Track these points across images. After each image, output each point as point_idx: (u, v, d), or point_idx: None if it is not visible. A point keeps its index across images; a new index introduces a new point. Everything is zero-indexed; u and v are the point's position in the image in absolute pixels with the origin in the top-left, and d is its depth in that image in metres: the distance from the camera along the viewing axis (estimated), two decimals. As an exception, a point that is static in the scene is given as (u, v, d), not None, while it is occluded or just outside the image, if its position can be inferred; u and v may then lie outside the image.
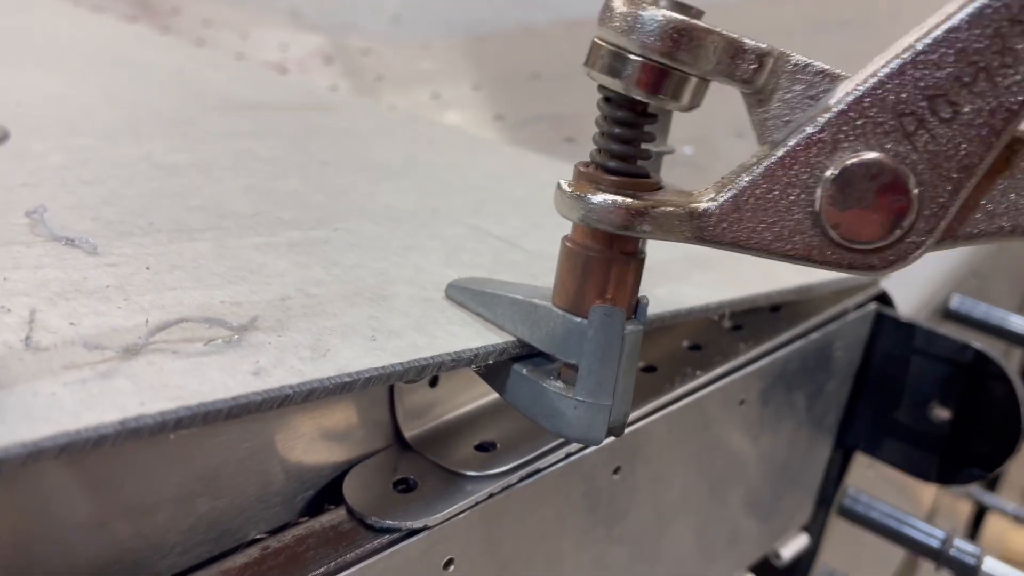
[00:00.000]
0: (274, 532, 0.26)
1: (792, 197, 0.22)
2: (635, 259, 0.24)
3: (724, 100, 0.79)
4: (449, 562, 0.26)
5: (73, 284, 0.24)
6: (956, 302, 0.50)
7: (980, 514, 1.16)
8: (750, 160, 0.23)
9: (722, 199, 0.22)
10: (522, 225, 0.37)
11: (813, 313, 0.39)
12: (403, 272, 0.30)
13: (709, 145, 0.61)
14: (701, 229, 0.23)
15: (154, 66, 0.63)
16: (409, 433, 0.28)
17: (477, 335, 0.26)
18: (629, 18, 0.21)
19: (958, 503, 0.96)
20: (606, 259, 0.23)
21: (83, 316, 0.22)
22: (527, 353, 0.26)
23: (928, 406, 0.40)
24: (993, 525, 1.25)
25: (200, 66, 0.66)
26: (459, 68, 0.79)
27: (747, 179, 0.22)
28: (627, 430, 0.31)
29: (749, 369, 0.35)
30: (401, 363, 0.23)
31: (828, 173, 0.21)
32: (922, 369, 0.40)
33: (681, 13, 0.21)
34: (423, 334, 0.25)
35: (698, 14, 0.22)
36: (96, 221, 0.29)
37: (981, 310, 0.49)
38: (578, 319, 0.24)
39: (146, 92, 0.54)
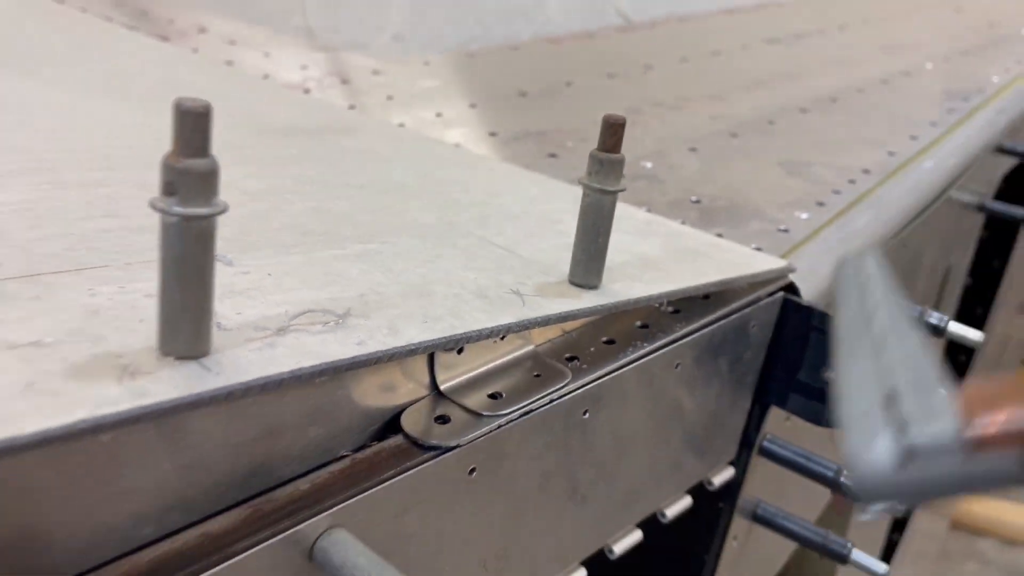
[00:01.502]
0: (356, 451, 0.38)
1: None
2: None
3: (678, 120, 0.93)
4: (473, 470, 0.39)
5: (227, 287, 0.36)
6: (856, 289, 0.63)
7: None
8: None
9: None
10: (518, 235, 0.50)
11: (734, 300, 0.52)
12: (436, 275, 0.42)
13: (665, 159, 0.73)
14: None
15: (199, 90, 0.74)
16: (443, 385, 0.41)
17: (492, 319, 0.39)
18: None
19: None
20: None
21: (244, 308, 0.35)
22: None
23: (822, 369, 0.54)
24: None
25: (239, 90, 0.77)
26: (456, 86, 0.91)
27: None
28: (593, 384, 0.44)
29: (683, 341, 0.48)
30: (445, 337, 0.36)
31: None
32: (817, 342, 0.54)
33: None
34: (457, 318, 0.38)
35: None
36: (221, 240, 0.42)
37: (875, 295, 0.63)
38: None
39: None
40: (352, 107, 0.81)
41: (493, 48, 1.04)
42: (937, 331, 0.60)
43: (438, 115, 0.81)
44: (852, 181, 0.72)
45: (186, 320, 0.30)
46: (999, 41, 1.33)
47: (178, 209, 0.28)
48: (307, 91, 0.84)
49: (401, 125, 0.76)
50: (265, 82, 0.84)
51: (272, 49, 0.97)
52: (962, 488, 0.22)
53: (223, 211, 0.29)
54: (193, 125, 0.27)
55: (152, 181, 0.49)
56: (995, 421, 0.21)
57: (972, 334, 0.59)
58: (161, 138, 0.60)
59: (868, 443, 0.22)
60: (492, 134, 0.77)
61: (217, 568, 0.31)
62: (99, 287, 0.35)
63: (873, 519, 0.24)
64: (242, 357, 0.31)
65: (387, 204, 0.52)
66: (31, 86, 0.66)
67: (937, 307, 0.68)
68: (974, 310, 1.47)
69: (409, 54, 0.99)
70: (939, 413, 0.22)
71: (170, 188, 0.28)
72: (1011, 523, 2.53)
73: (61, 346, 0.30)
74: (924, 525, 2.04)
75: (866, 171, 0.74)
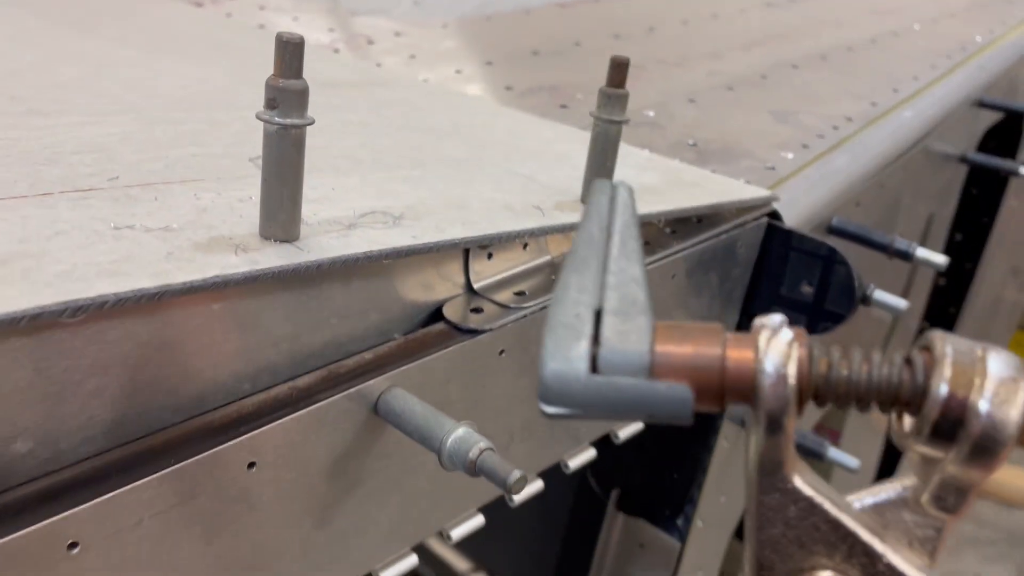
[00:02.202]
0: (406, 334, 0.46)
1: None
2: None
3: (678, 75, 1.00)
4: (502, 351, 0.47)
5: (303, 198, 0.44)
6: (835, 221, 0.71)
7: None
8: None
9: None
10: (537, 167, 0.58)
11: (724, 223, 0.60)
12: (471, 194, 0.50)
13: (666, 109, 0.81)
14: None
15: (245, 50, 0.82)
16: (476, 284, 0.49)
17: (519, 225, 0.47)
18: None
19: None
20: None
21: (319, 211, 0.43)
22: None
23: (800, 284, 0.62)
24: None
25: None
26: (474, 46, 0.99)
27: None
28: (602, 288, 0.52)
29: (677, 256, 0.56)
30: (482, 236, 0.44)
31: None
32: (797, 260, 0.61)
33: None
34: (489, 224, 0.46)
35: None
36: (289, 164, 0.49)
37: (852, 226, 0.70)
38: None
39: (255, 71, 0.73)
40: (379, 65, 0.88)
41: (506, 13, 1.10)
42: (905, 256, 0.67)
43: (458, 72, 0.88)
44: (835, 127, 0.79)
45: (282, 209, 0.38)
46: (985, 4, 1.39)
47: (278, 119, 0.36)
48: (336, 51, 0.92)
49: (425, 80, 0.83)
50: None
51: (300, 14, 1.04)
52: (637, 407, 0.24)
53: (312, 123, 0.37)
54: (292, 52, 0.35)
55: (222, 120, 0.57)
56: (678, 354, 0.24)
57: (937, 258, 0.67)
58: (220, 89, 0.68)
59: (564, 348, 0.23)
60: (508, 88, 0.85)
61: (304, 411, 0.39)
62: (201, 193, 0.43)
63: (555, 418, 0.24)
64: (325, 242, 0.39)
65: (424, 142, 0.60)
66: (97, 44, 0.74)
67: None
68: (963, 264, 1.55)
69: (428, 19, 1.06)
70: (635, 337, 0.24)
71: (272, 103, 0.36)
72: (1010, 485, 2.61)
73: (185, 231, 0.38)
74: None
75: (848, 119, 0.81)
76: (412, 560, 0.46)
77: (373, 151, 0.55)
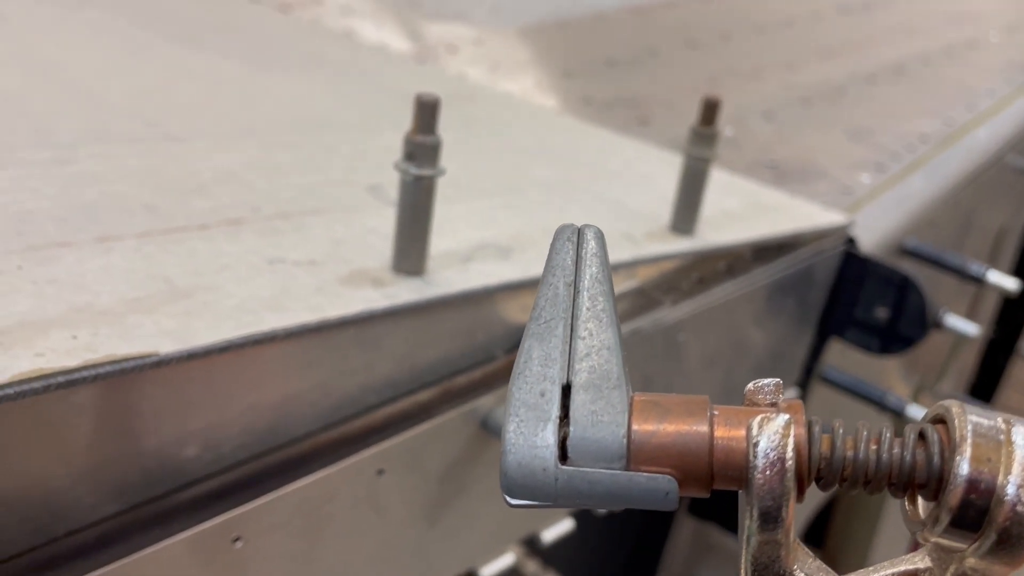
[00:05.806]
0: (507, 352, 0.51)
1: None
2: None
3: (755, 88, 1.02)
4: (596, 371, 0.51)
5: (420, 227, 0.49)
6: (910, 242, 0.73)
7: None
8: None
9: None
10: (623, 191, 0.61)
11: (803, 249, 0.63)
12: (565, 221, 0.54)
13: (744, 126, 0.83)
14: None
15: (336, 62, 0.86)
16: (572, 307, 0.53)
17: (613, 256, 0.50)
18: None
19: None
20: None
21: (437, 243, 0.47)
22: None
23: (875, 307, 0.64)
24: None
25: (371, 61, 0.89)
26: (552, 55, 1.02)
27: None
28: (686, 313, 0.56)
29: (759, 282, 0.59)
30: (582, 268, 0.48)
31: None
32: (872, 285, 0.64)
33: None
34: (588, 254, 0.50)
35: None
36: (402, 192, 0.54)
37: (926, 248, 0.72)
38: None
39: (349, 86, 0.77)
40: (462, 78, 0.92)
41: (582, 18, 1.13)
42: (977, 280, 0.69)
43: (538, 83, 0.91)
44: (910, 147, 0.81)
45: (413, 247, 0.42)
46: (1068, 10, 1.36)
47: (414, 171, 0.40)
48: (421, 61, 0.96)
49: (508, 94, 0.87)
50: (387, 53, 0.96)
51: (383, 19, 1.08)
52: (615, 500, 0.21)
53: (443, 173, 0.42)
54: (429, 112, 0.39)
55: (332, 143, 0.62)
56: (659, 434, 0.21)
57: (1009, 282, 0.69)
58: (323, 109, 0.73)
59: (529, 434, 0.21)
60: (587, 102, 0.88)
61: (425, 426, 0.44)
62: (333, 225, 0.47)
63: (521, 508, 0.21)
64: (448, 276, 0.44)
65: (516, 163, 0.64)
66: (205, 59, 0.79)
67: (991, 264, 0.77)
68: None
69: (506, 24, 1.09)
70: (608, 417, 0.21)
71: (410, 156, 0.40)
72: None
73: (327, 264, 0.43)
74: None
75: (923, 138, 0.83)
76: (509, 559, 0.51)
77: (472, 175, 0.60)
